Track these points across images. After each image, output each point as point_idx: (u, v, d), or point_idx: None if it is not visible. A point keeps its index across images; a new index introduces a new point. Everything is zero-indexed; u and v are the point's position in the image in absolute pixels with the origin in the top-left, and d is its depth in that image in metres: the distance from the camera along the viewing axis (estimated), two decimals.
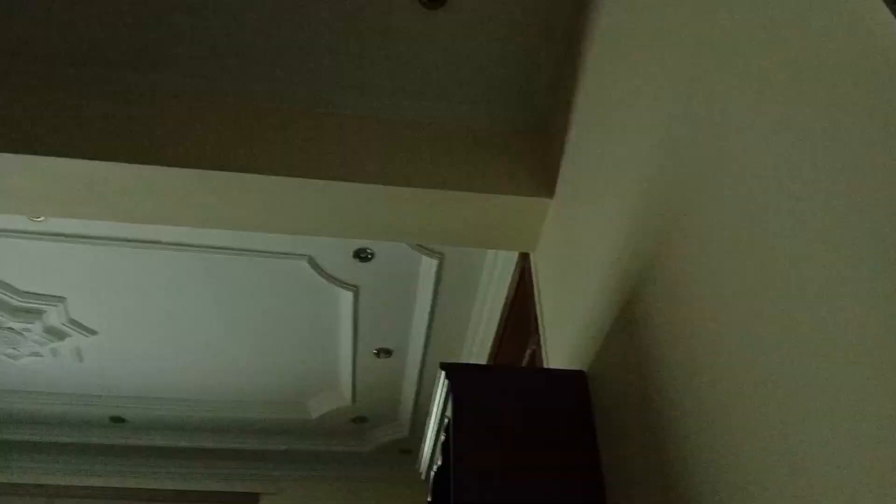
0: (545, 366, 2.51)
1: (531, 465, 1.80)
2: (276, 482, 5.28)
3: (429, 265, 3.65)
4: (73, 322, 4.05)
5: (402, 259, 3.63)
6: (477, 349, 4.10)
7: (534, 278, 2.79)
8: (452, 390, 1.91)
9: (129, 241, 3.50)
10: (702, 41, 1.50)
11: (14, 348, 4.22)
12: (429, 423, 2.13)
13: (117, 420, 5.02)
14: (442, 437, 1.99)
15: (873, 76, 0.97)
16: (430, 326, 4.08)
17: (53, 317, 3.98)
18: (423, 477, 2.25)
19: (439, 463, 2.02)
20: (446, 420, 1.93)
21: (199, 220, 2.65)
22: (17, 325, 4.02)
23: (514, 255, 3.27)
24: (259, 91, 2.64)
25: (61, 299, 3.89)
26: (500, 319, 3.58)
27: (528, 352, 3.13)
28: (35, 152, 2.35)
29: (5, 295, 3.82)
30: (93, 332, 4.13)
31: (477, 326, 4.02)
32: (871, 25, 0.98)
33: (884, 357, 0.90)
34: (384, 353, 4.35)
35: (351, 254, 3.59)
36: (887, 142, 0.93)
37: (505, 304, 3.47)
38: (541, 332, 2.61)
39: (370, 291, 3.85)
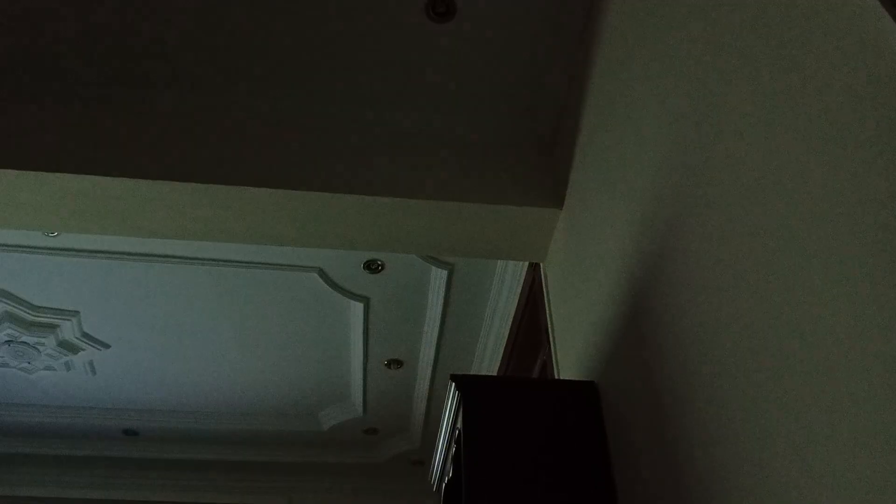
0: (556, 376, 2.51)
1: (543, 476, 1.80)
2: (288, 493, 5.28)
3: (439, 276, 3.66)
4: (87, 336, 4.08)
5: (412, 270, 3.64)
6: (488, 360, 4.10)
7: (544, 288, 2.79)
8: (463, 402, 1.91)
9: (141, 255, 3.53)
10: (706, 48, 1.51)
11: (28, 362, 4.25)
12: (440, 435, 2.14)
13: (130, 433, 5.04)
14: (453, 449, 1.99)
15: (875, 80, 0.97)
16: (440, 337, 4.09)
17: (67, 331, 4.01)
18: (434, 488, 2.25)
19: (450, 474, 2.02)
20: (457, 431, 1.93)
21: (210, 234, 2.67)
22: (30, 340, 4.06)
23: (524, 266, 3.27)
24: (268, 105, 2.67)
25: (75, 313, 3.92)
26: (511, 330, 3.58)
27: (539, 362, 3.13)
28: (48, 169, 2.38)
29: (19, 309, 3.86)
30: (106, 346, 4.16)
31: (487, 337, 4.02)
32: (873, 29, 0.98)
33: (891, 360, 0.90)
34: (395, 364, 4.35)
35: (361, 265, 3.61)
36: (890, 144, 0.93)
37: (515, 315, 3.48)
38: (552, 342, 2.61)
39: (380, 303, 3.86)
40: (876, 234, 0.96)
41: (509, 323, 3.61)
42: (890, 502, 0.88)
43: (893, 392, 0.90)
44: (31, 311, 3.87)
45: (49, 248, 3.49)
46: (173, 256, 3.54)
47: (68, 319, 3.94)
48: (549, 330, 2.65)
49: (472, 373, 4.31)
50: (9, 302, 3.82)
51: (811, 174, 1.11)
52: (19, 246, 3.48)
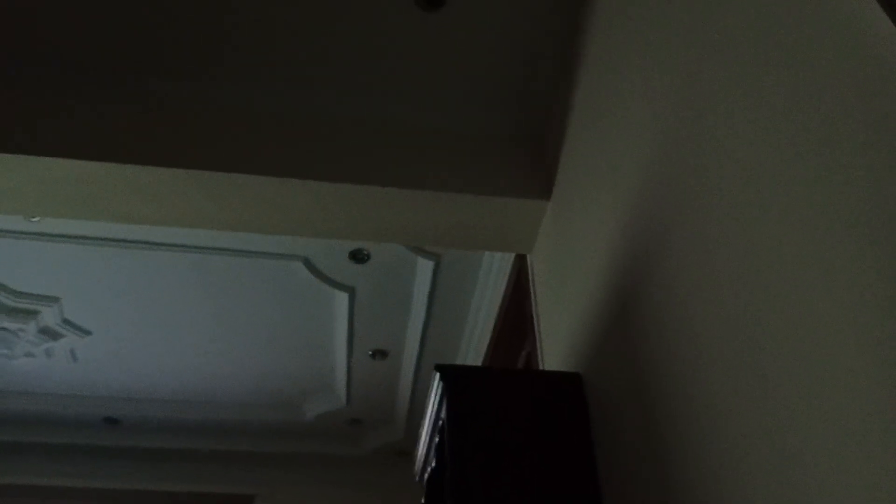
0: (541, 368, 2.51)
1: (526, 467, 1.80)
2: (271, 484, 5.26)
3: (425, 266, 3.65)
4: (68, 322, 4.03)
5: (398, 260, 3.63)
6: (473, 351, 4.10)
7: (530, 280, 2.79)
8: (447, 392, 1.91)
9: (124, 241, 3.49)
10: (698, 43, 1.50)
11: (8, 349, 4.20)
12: (424, 425, 2.13)
13: (111, 421, 4.99)
14: (436, 440, 1.98)
15: (869, 77, 0.97)
16: (426, 328, 4.08)
17: (48, 317, 3.96)
18: (417, 479, 2.24)
19: (434, 465, 2.02)
20: (441, 422, 1.93)
21: (194, 221, 2.64)
22: (11, 326, 4.00)
23: (511, 257, 3.26)
24: (254, 93, 2.64)
25: (56, 300, 3.87)
26: (497, 321, 3.58)
27: (524, 353, 3.13)
28: (31, 152, 2.34)
29: (0, 295, 3.81)
30: (87, 333, 4.12)
31: (473, 328, 4.01)
32: (867, 26, 0.98)
33: (880, 358, 0.90)
34: (380, 354, 4.34)
35: (347, 255, 3.58)
36: (883, 142, 0.93)
37: (501, 306, 3.47)
38: (537, 333, 2.61)
39: (366, 293, 3.84)
40: (866, 231, 0.96)
41: (495, 314, 3.61)
42: (886, 502, 0.88)
43: (888, 390, 0.90)
44: (11, 297, 3.82)
45: (31, 233, 3.44)
46: (157, 243, 3.51)
47: (49, 306, 3.90)
48: (535, 321, 2.65)
49: (457, 363, 4.31)
50: None
51: (801, 171, 1.11)
52: (0, 230, 3.43)
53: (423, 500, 2.10)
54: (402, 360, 4.41)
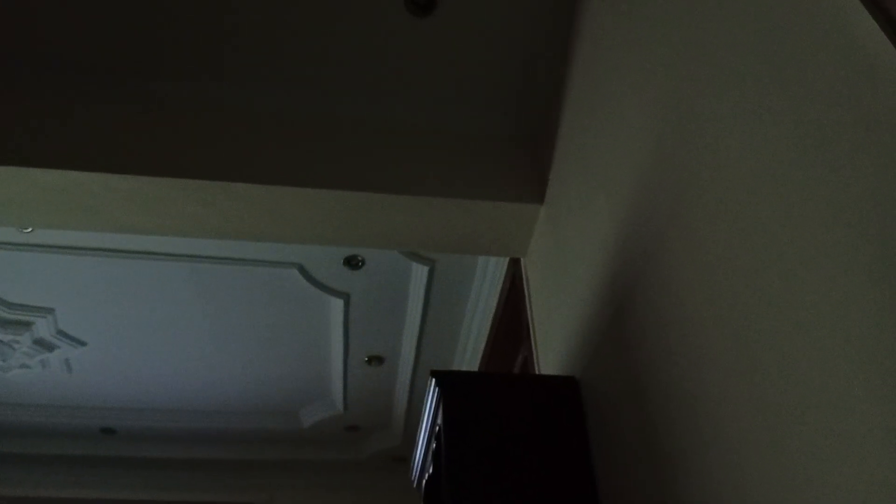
0: (537, 372, 2.51)
1: (523, 471, 1.80)
2: (268, 491, 5.25)
3: (420, 272, 3.65)
4: (62, 333, 4.02)
5: (393, 266, 3.62)
6: (469, 356, 4.09)
7: (525, 284, 2.79)
8: (443, 398, 1.91)
9: (118, 251, 3.48)
10: (691, 46, 1.51)
11: (2, 360, 4.18)
12: (420, 431, 2.13)
13: (107, 431, 4.98)
14: (433, 446, 1.98)
15: (861, 79, 0.97)
16: (421, 333, 4.07)
17: (42, 328, 3.95)
18: (415, 485, 2.24)
19: (431, 471, 2.01)
20: (437, 428, 1.92)
21: (188, 230, 2.64)
22: (5, 337, 3.99)
23: (506, 261, 3.27)
24: (253, 94, 2.63)
25: (50, 311, 3.86)
26: (492, 326, 3.58)
27: (520, 358, 3.13)
28: (23, 164, 2.33)
29: None
30: (82, 344, 4.10)
31: (469, 333, 4.01)
32: (856, 31, 0.98)
33: (878, 358, 0.91)
34: (376, 360, 4.33)
35: (341, 261, 3.58)
36: (874, 145, 0.94)
37: (496, 311, 3.47)
38: (533, 338, 2.61)
39: (361, 299, 3.84)
40: (861, 231, 0.96)
41: (490, 318, 3.61)
42: (886, 502, 0.88)
43: (874, 386, 0.91)
44: (5, 309, 3.81)
45: (24, 245, 3.43)
46: (151, 252, 3.50)
47: (43, 317, 3.88)
48: (531, 325, 2.65)
49: (453, 369, 4.31)
50: None
51: (795, 172, 1.11)
52: None
53: None
54: (398, 366, 4.41)
